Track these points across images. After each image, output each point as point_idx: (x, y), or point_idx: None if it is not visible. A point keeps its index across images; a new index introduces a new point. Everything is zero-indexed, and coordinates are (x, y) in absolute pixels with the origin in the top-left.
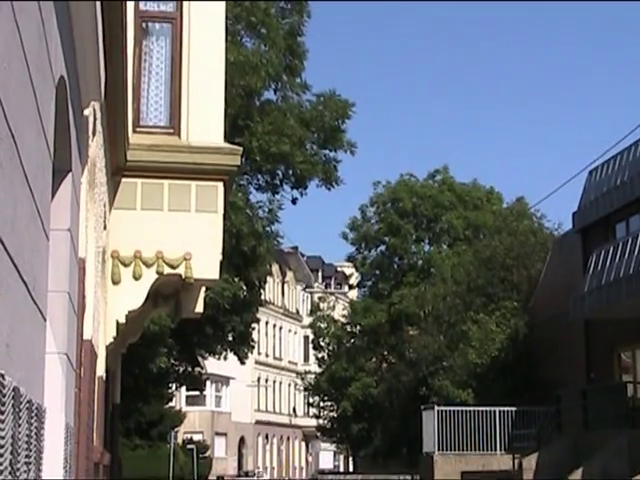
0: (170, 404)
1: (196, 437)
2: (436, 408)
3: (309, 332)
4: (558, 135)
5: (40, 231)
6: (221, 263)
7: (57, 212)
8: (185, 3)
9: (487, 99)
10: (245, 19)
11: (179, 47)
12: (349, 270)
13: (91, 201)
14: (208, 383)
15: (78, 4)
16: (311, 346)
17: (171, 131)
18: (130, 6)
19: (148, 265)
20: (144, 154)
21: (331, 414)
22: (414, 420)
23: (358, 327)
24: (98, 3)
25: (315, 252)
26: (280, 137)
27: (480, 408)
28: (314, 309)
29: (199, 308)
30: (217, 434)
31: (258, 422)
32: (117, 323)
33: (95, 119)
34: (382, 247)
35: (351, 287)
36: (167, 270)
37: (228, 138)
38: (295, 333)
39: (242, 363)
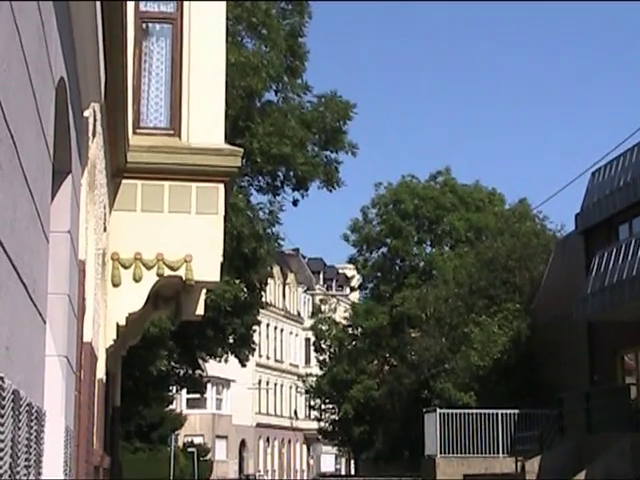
0: (171, 407)
1: (197, 440)
2: (438, 411)
3: (310, 334)
4: (560, 136)
5: (40, 233)
6: (222, 265)
7: (57, 214)
8: (185, 3)
9: (489, 100)
10: (246, 20)
11: (179, 48)
12: (350, 272)
13: (91, 203)
14: (209, 386)
15: (78, 5)
16: (312, 348)
17: (171, 132)
18: (130, 7)
19: (148, 267)
20: (144, 155)
21: (332, 417)
22: (416, 423)
23: (359, 329)
24: (98, 4)
25: (316, 254)
26: (281, 138)
27: (482, 411)
28: (315, 311)
29: (200, 310)
30: (218, 437)
31: (259, 425)
32: (117, 325)
33: (95, 120)
34: (384, 249)
35: (352, 289)
36: (167, 272)
37: (229, 139)
38: (296, 335)
39: (243, 365)
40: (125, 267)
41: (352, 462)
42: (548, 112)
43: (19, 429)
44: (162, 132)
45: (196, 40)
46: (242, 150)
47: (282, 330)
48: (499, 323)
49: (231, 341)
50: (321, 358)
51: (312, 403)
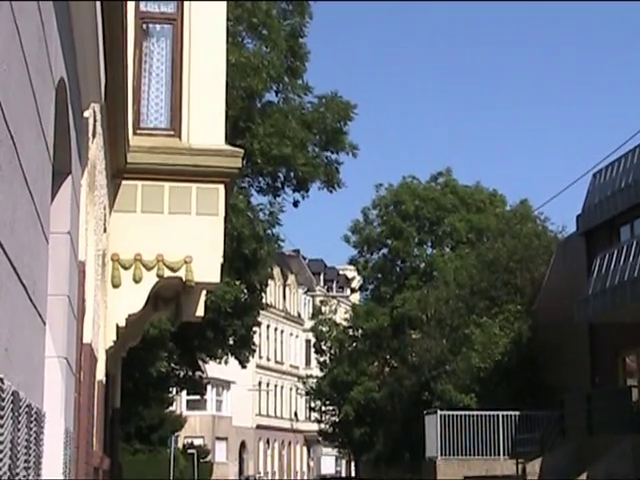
0: (170, 408)
1: (197, 442)
2: (439, 412)
3: (311, 336)
4: (562, 137)
5: (40, 234)
6: (222, 266)
7: (57, 215)
8: (186, 4)
9: (490, 101)
10: (246, 20)
11: (180, 48)
12: (351, 273)
13: (91, 204)
14: (209, 387)
15: (78, 5)
16: (313, 350)
17: (172, 133)
18: (130, 7)
19: (148, 268)
20: (144, 156)
21: (333, 418)
22: (416, 425)
23: (360, 331)
24: (98, 4)
25: (317, 255)
26: (281, 139)
27: (483, 413)
28: (316, 312)
29: (200, 312)
30: (218, 439)
31: (259, 426)
32: (117, 327)
33: (95, 121)
34: (384, 250)
35: (353, 290)
36: (167, 273)
37: (229, 140)
38: (297, 337)
39: (243, 367)
40: (125, 268)
41: (352, 464)
42: (549, 113)
43: (18, 430)
44: (162, 133)
45: (196, 41)
46: (242, 151)
47: (282, 331)
48: (500, 324)
49: (231, 342)
50: (321, 359)
51: (312, 405)
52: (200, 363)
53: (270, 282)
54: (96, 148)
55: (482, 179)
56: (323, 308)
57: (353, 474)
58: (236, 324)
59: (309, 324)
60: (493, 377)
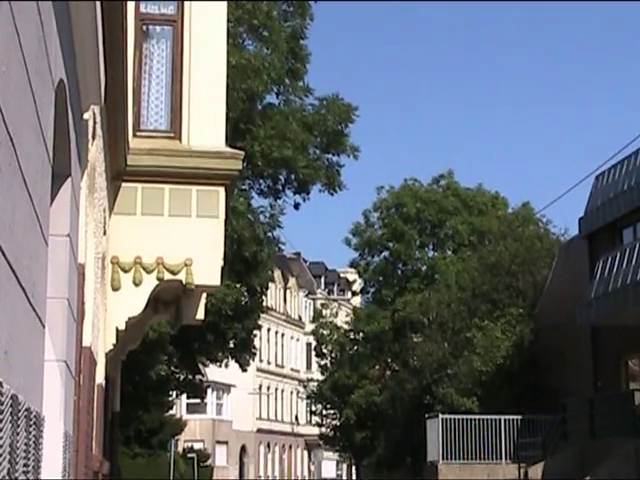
0: (170, 412)
1: (197, 445)
2: (440, 416)
3: (311, 339)
4: (564, 139)
5: (39, 236)
6: (222, 269)
7: (56, 217)
8: (186, 5)
9: (492, 103)
10: (247, 22)
11: (180, 50)
12: (352, 276)
13: (91, 206)
14: (209, 391)
15: (78, 6)
16: (314, 353)
17: (172, 135)
18: (130, 8)
19: (148, 271)
20: (144, 158)
21: (334, 422)
22: (418, 428)
23: (361, 334)
24: (98, 5)
25: (318, 258)
26: (282, 141)
27: (485, 416)
28: (317, 316)
29: (200, 315)
30: (218, 442)
31: (260, 430)
32: (117, 330)
33: (95, 123)
34: (385, 253)
35: (354, 293)
36: (167, 276)
37: (229, 142)
38: (297, 340)
39: (244, 370)
40: (125, 271)
41: (353, 468)
42: (551, 115)
43: (18, 434)
44: (162, 135)
45: (197, 42)
46: (243, 153)
47: (283, 335)
48: (502, 328)
49: (231, 346)
50: (322, 363)
51: (313, 408)
52: (200, 366)
53: (271, 285)
54: (96, 150)
55: (484, 181)
56: (324, 311)
57: (354, 478)
58: (236, 327)
59: (310, 327)
60: (495, 381)
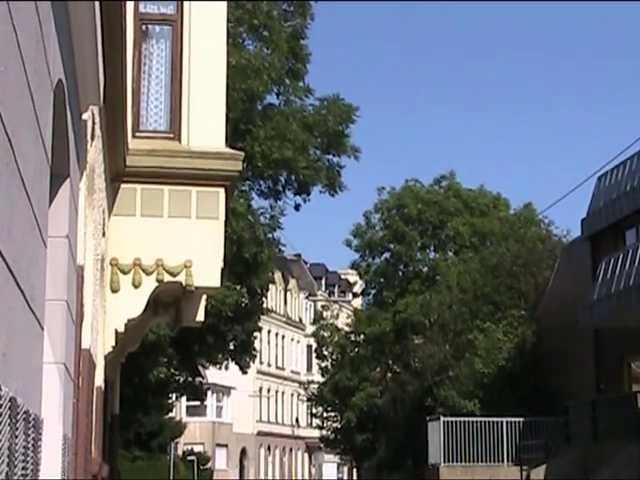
0: (170, 415)
1: (197, 448)
2: (442, 419)
3: (312, 341)
4: (566, 140)
5: (38, 238)
6: (222, 270)
7: (55, 219)
8: (186, 5)
9: (494, 104)
10: (247, 22)
11: (179, 50)
12: (353, 278)
13: (90, 207)
14: (209, 393)
15: (76, 5)
16: (314, 355)
17: (171, 136)
18: (129, 8)
19: (148, 273)
20: (144, 159)
21: (335, 425)
22: (419, 431)
23: (362, 336)
24: (97, 4)
25: (318, 259)
26: (283, 142)
27: (487, 419)
28: (317, 317)
29: (200, 316)
30: (218, 445)
31: (260, 433)
32: (116, 332)
33: (94, 123)
34: (387, 254)
35: (355, 295)
36: (167, 278)
37: (229, 143)
38: (298, 342)
39: (244, 373)
40: (124, 273)
41: (354, 471)
42: (553, 116)
43: (16, 437)
44: (162, 135)
45: (196, 42)
46: (243, 154)
47: (283, 337)
48: (504, 330)
49: (232, 348)
50: (323, 365)
51: (314, 411)
52: (200, 369)
53: (271, 287)
54: (95, 151)
55: (486, 182)
56: (325, 313)
57: None
58: (236, 329)
59: (310, 329)
60: (497, 383)
